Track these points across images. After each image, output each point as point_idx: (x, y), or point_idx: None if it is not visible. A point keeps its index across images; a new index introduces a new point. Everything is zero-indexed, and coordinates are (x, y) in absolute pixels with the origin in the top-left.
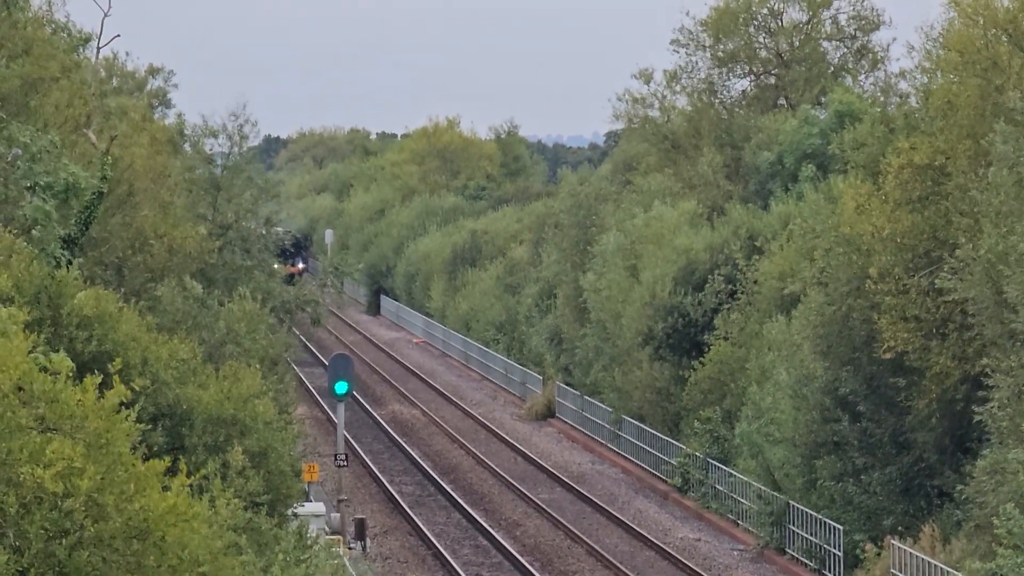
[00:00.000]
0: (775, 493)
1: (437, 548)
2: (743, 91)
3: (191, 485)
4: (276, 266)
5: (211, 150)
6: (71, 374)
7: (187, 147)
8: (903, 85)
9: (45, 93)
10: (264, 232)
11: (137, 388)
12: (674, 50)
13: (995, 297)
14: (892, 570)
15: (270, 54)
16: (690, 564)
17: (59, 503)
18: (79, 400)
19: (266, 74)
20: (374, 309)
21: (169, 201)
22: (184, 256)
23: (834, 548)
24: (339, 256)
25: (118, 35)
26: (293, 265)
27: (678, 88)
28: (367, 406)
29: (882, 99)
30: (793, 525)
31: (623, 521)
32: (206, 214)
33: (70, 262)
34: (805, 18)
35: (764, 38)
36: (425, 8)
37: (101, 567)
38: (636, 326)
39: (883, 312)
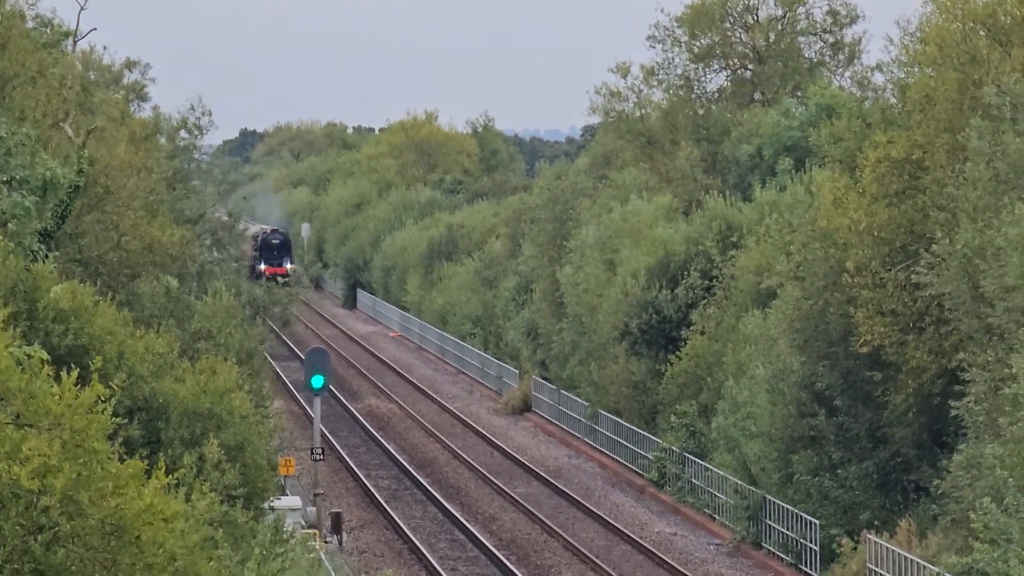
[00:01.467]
0: (751, 487)
1: (413, 542)
2: (719, 86)
3: (168, 473)
4: (261, 266)
5: (181, 143)
6: (47, 366)
7: (162, 140)
8: (879, 78)
9: (21, 87)
10: (232, 225)
11: (116, 386)
12: (650, 46)
13: (971, 292)
14: (868, 564)
15: (247, 48)
16: (666, 558)
17: (35, 500)
18: (57, 397)
19: (243, 68)
20: (351, 303)
21: (148, 198)
22: (162, 254)
23: (810, 543)
24: (313, 259)
25: (94, 28)
26: (280, 265)
27: (655, 83)
28: (343, 400)
29: (858, 93)
30: (769, 519)
31: (599, 515)
32: (182, 208)
33: (46, 256)
34: (781, 13)
35: (740, 33)
36: (402, 2)
37: (77, 564)
38: (612, 320)
39: (860, 306)
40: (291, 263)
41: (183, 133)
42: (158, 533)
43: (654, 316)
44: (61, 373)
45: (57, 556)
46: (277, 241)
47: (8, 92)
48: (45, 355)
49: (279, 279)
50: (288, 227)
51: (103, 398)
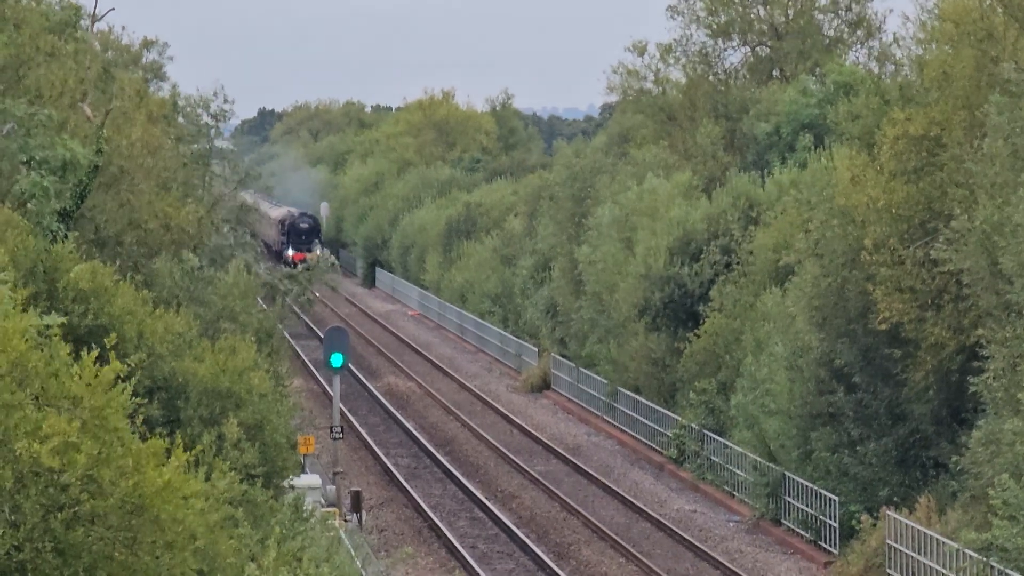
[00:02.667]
0: (771, 464)
1: (433, 520)
2: (738, 63)
3: (187, 451)
4: (289, 252)
5: (202, 126)
6: (65, 342)
7: (181, 120)
8: (897, 53)
9: (39, 67)
10: (253, 209)
11: (133, 364)
12: (671, 16)
13: (990, 268)
14: (888, 541)
15: (265, 27)
16: (686, 535)
17: (55, 478)
18: (77, 376)
19: (261, 47)
20: (369, 281)
21: (166, 178)
22: (180, 232)
23: (830, 519)
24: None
25: (112, 8)
26: (309, 251)
27: (672, 60)
28: (363, 379)
29: (877, 70)
30: (789, 496)
31: (619, 493)
32: (199, 189)
33: (66, 236)
34: None
35: (759, 9)
36: None
37: (97, 542)
38: (631, 298)
39: (878, 283)
40: (321, 248)
41: (206, 118)
42: (178, 511)
43: (676, 290)
44: (81, 352)
45: (77, 534)
46: (306, 225)
47: (25, 73)
48: (62, 320)
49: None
50: (316, 209)
51: (122, 376)
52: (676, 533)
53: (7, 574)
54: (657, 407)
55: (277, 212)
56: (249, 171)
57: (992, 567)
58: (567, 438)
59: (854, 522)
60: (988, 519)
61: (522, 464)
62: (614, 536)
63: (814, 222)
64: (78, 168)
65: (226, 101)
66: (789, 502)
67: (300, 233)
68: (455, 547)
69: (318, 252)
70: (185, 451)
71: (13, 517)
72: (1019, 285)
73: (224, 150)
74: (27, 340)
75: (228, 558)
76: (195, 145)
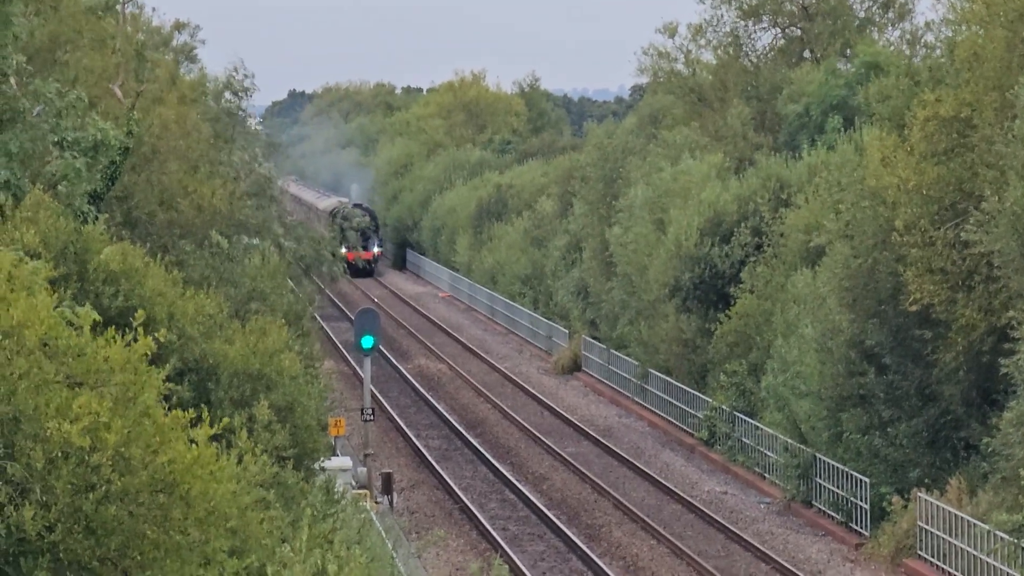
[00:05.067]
0: (801, 446)
1: (464, 502)
2: (768, 44)
3: (218, 439)
4: (342, 250)
5: (225, 104)
6: (97, 327)
7: (210, 101)
8: (929, 37)
9: (73, 50)
10: (281, 188)
11: (161, 339)
12: (699, 1)
13: (1021, 249)
14: (919, 523)
15: (296, 8)
16: (717, 517)
17: (86, 458)
18: (105, 354)
19: (292, 29)
20: (400, 263)
21: (197, 157)
22: (212, 213)
23: (861, 501)
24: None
25: None
26: (366, 249)
27: (703, 42)
28: (393, 360)
29: (907, 52)
30: (819, 478)
31: (649, 474)
32: (226, 168)
33: (96, 218)
34: None
35: None
36: None
37: (128, 521)
38: (662, 279)
39: (909, 264)
40: (378, 245)
41: (227, 95)
42: (208, 487)
43: (707, 271)
44: (108, 330)
45: (108, 513)
46: (362, 221)
47: (60, 56)
48: (96, 316)
49: (367, 265)
50: (371, 201)
51: (153, 355)
52: (707, 515)
53: (38, 555)
54: (688, 389)
55: (326, 203)
56: (272, 143)
57: (1023, 549)
58: (598, 420)
59: (885, 504)
60: (1019, 500)
61: (553, 446)
62: (645, 518)
63: (845, 203)
64: (109, 149)
65: (246, 76)
66: (820, 484)
67: (362, 231)
68: (486, 529)
69: (376, 250)
70: (211, 427)
71: (44, 498)
72: None
73: (249, 130)
74: (56, 316)
75: (261, 539)
76: (218, 124)
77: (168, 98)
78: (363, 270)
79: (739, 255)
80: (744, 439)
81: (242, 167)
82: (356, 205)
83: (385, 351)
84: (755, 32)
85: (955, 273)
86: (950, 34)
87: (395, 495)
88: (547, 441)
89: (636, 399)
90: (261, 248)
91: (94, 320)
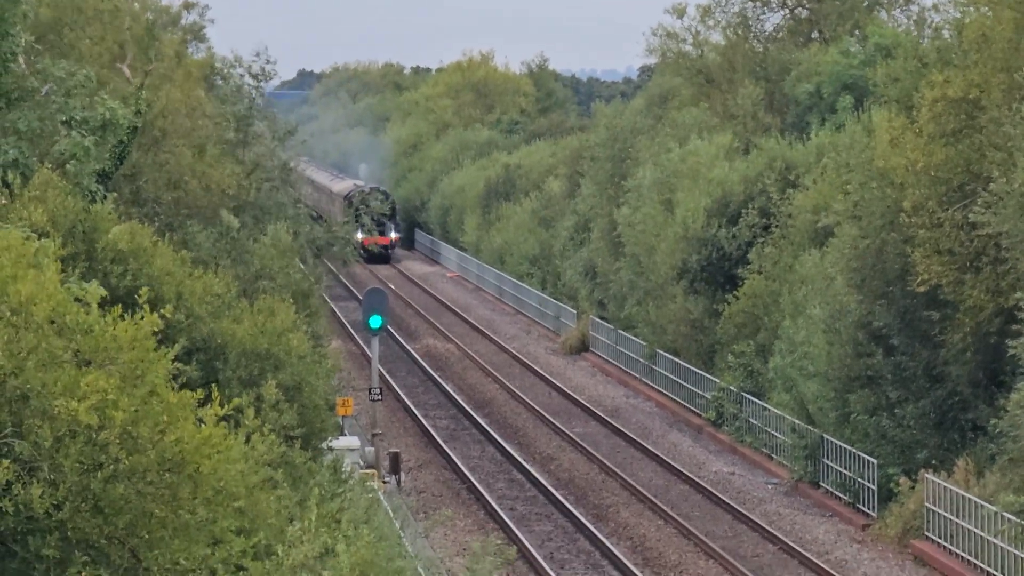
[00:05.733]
0: (809, 427)
1: (471, 482)
2: (777, 25)
3: (226, 419)
4: (358, 236)
5: (240, 84)
6: (105, 305)
7: (219, 81)
8: (936, 18)
9: (81, 28)
10: (291, 169)
11: (168, 316)
12: None
13: None
14: (926, 504)
15: None
16: (724, 498)
17: (94, 436)
18: (113, 332)
19: (301, 7)
20: (408, 243)
21: (205, 137)
22: (220, 194)
23: (868, 482)
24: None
25: None
26: (382, 234)
27: (712, 23)
28: (401, 340)
29: (916, 33)
30: (827, 459)
31: (657, 455)
32: (237, 152)
33: (105, 197)
34: None
35: None
36: None
37: (135, 500)
38: (670, 260)
39: (917, 246)
40: (396, 231)
41: (248, 80)
42: (217, 466)
43: (714, 252)
44: (114, 307)
45: (116, 492)
46: (378, 203)
47: (65, 34)
48: (104, 292)
49: (384, 251)
50: (387, 183)
51: (161, 334)
52: (714, 495)
53: (46, 533)
54: (695, 369)
55: (341, 186)
56: (288, 128)
57: None
58: (605, 400)
59: (892, 485)
60: None
61: (560, 426)
62: (652, 498)
63: (853, 184)
64: (118, 128)
65: (268, 61)
66: (827, 465)
67: (379, 216)
68: (494, 508)
69: (394, 236)
70: (220, 407)
71: (52, 476)
72: None
73: (264, 110)
74: (63, 293)
75: (269, 518)
76: (236, 106)
77: (175, 76)
78: (379, 256)
79: (746, 236)
80: (752, 420)
81: (263, 152)
82: (373, 188)
83: (393, 331)
84: (764, 13)
85: (963, 254)
86: (958, 15)
87: (403, 475)
88: (555, 421)
89: (644, 379)
90: (274, 230)
91: (102, 296)
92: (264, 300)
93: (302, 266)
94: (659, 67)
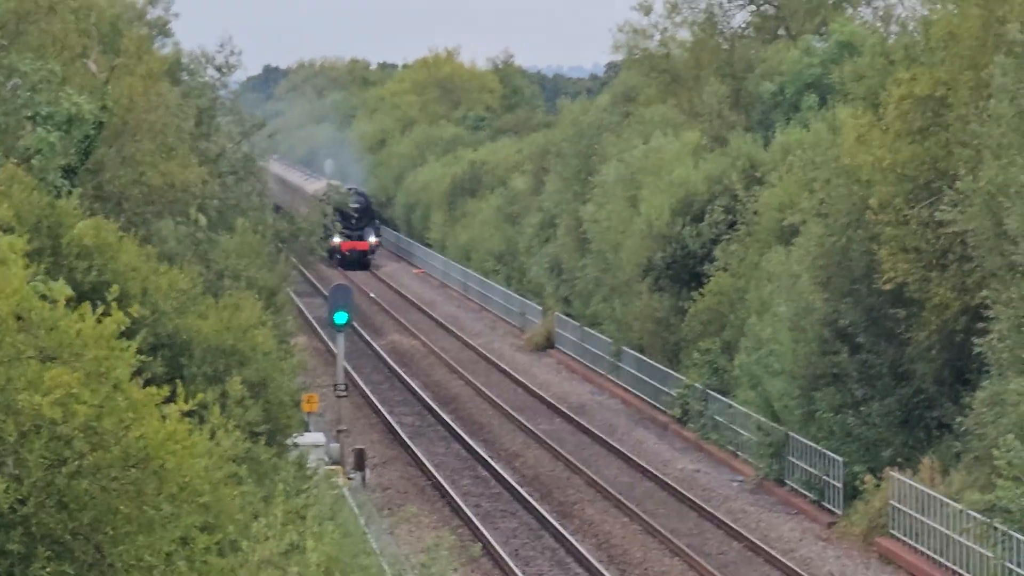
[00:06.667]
0: (774, 424)
1: (436, 479)
2: (744, 22)
3: (191, 415)
4: (335, 240)
5: (206, 79)
6: (71, 302)
7: (185, 76)
8: (902, 13)
9: (39, 23)
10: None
11: (135, 315)
12: None
13: (995, 229)
14: (891, 501)
15: None
16: (689, 495)
17: (58, 430)
18: (78, 328)
19: (266, 3)
20: None
21: (164, 126)
22: (183, 190)
23: (833, 480)
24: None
25: None
26: (360, 239)
27: (678, 19)
28: (367, 336)
29: (882, 29)
30: (792, 456)
31: (622, 452)
32: (200, 145)
33: (70, 192)
34: None
35: None
36: None
37: (100, 495)
38: (636, 257)
39: (883, 243)
40: (375, 235)
41: (211, 72)
42: (181, 462)
43: (679, 250)
44: (82, 305)
45: (80, 488)
46: (357, 205)
47: (26, 28)
48: (70, 291)
49: (362, 257)
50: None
51: (126, 330)
52: (679, 493)
53: (10, 528)
54: (661, 367)
55: (315, 186)
56: (255, 122)
57: (996, 528)
58: (571, 397)
59: (857, 483)
60: (992, 480)
61: (526, 423)
62: (617, 495)
63: (819, 182)
64: (83, 123)
65: (232, 53)
66: (792, 462)
67: (348, 216)
68: (459, 505)
69: (373, 240)
70: (185, 402)
71: (17, 471)
72: None
73: (229, 104)
74: (28, 290)
75: (234, 514)
76: (200, 99)
77: (137, 70)
78: (357, 262)
79: (711, 234)
80: (717, 417)
81: (226, 144)
82: (350, 188)
83: (358, 327)
84: (730, 9)
85: (929, 252)
86: (925, 12)
87: (368, 471)
88: (520, 418)
89: (609, 376)
90: (242, 224)
91: (68, 296)
92: (230, 296)
93: (269, 264)
94: (625, 64)
